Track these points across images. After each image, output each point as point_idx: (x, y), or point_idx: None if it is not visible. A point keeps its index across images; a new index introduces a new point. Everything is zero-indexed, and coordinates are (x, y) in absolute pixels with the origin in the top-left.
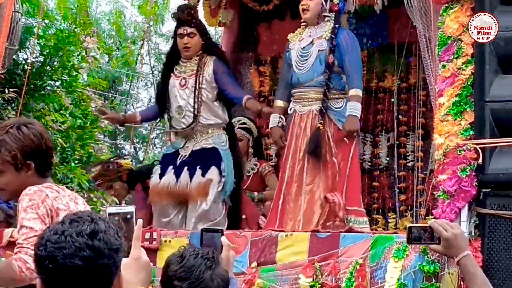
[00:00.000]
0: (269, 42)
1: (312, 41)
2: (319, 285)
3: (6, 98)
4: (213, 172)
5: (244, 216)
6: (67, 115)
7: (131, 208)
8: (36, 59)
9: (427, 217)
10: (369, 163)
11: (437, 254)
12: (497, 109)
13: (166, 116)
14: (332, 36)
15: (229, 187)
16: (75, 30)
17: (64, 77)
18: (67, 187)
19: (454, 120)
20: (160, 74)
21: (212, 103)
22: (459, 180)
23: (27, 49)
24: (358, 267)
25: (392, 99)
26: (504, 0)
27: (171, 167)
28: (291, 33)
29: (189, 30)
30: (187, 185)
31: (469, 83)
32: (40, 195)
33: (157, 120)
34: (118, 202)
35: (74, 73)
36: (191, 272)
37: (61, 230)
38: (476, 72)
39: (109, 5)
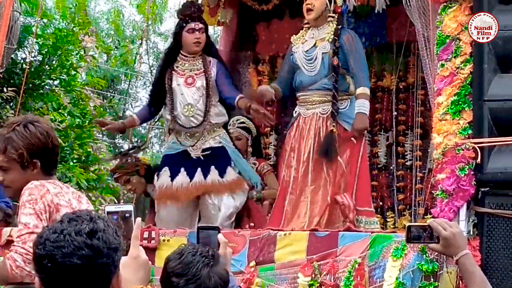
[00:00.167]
0: (268, 42)
1: (315, 44)
2: (318, 284)
3: (5, 97)
4: (231, 172)
5: (252, 224)
6: (66, 114)
7: (129, 207)
8: (35, 58)
9: (425, 216)
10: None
11: (436, 253)
12: (496, 108)
13: (168, 115)
14: (335, 38)
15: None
16: (74, 29)
17: (63, 76)
18: None
19: (453, 119)
20: (159, 70)
21: (216, 102)
22: (457, 179)
23: (25, 48)
24: (356, 266)
25: (391, 98)
26: None
27: (182, 168)
28: (294, 36)
29: (200, 25)
30: (201, 183)
31: (467, 82)
32: (41, 190)
33: (156, 120)
34: (116, 202)
35: (73, 72)
36: (188, 269)
37: (60, 229)
38: (475, 71)
39: (108, 4)
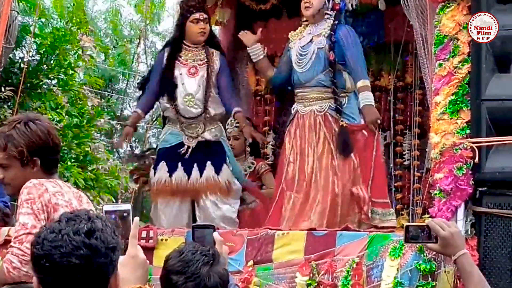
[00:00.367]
0: (265, 41)
1: (311, 39)
2: (316, 284)
3: (3, 97)
4: (226, 171)
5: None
6: (64, 114)
7: (127, 206)
8: (33, 58)
9: (423, 216)
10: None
11: (434, 253)
12: (494, 108)
13: (166, 103)
14: (331, 33)
15: (239, 176)
16: (72, 28)
17: (61, 75)
18: None
19: (451, 118)
20: (166, 59)
21: (216, 94)
22: (455, 178)
23: (23, 47)
24: (354, 265)
25: (389, 98)
26: None
27: (180, 163)
28: (292, 32)
29: (204, 15)
30: (197, 181)
31: (465, 82)
32: (39, 189)
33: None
34: (114, 201)
35: (71, 72)
36: (188, 267)
37: (58, 229)
38: (473, 71)
39: (106, 3)
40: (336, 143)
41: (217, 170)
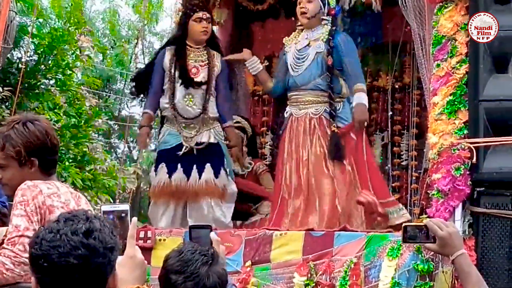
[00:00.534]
0: (263, 41)
1: (308, 44)
2: (314, 284)
3: (0, 97)
4: (223, 176)
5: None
6: (61, 114)
7: (126, 206)
8: (30, 58)
9: (421, 216)
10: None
11: (431, 253)
12: (491, 108)
13: (166, 103)
14: (330, 38)
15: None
16: (70, 29)
17: (58, 75)
18: None
19: (448, 119)
20: (171, 58)
21: (214, 96)
22: (453, 179)
23: (21, 47)
24: (352, 266)
25: (387, 98)
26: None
27: (179, 165)
28: (287, 37)
29: (207, 15)
30: (196, 183)
31: (463, 82)
32: (33, 191)
33: None
34: (112, 201)
35: (68, 72)
36: (187, 267)
37: (56, 229)
38: (470, 71)
39: (104, 4)
40: (328, 147)
41: (216, 173)
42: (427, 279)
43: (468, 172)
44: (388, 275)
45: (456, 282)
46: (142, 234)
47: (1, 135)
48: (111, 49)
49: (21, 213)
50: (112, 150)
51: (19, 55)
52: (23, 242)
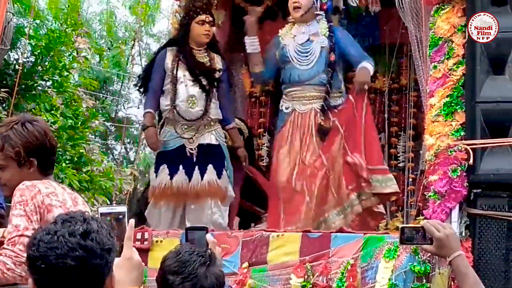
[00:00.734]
0: (260, 43)
1: (308, 38)
2: (310, 285)
3: None
4: (225, 178)
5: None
6: (58, 115)
7: (123, 208)
8: (27, 59)
9: (418, 218)
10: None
11: (428, 255)
12: (488, 109)
13: (167, 103)
14: (331, 34)
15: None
16: (66, 30)
17: (55, 77)
18: None
19: (445, 120)
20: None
21: (215, 98)
22: (450, 180)
23: (18, 49)
24: (349, 267)
25: (383, 100)
26: (495, 1)
27: (181, 166)
28: (281, 30)
29: (210, 18)
30: (198, 184)
31: (460, 84)
32: (32, 190)
33: None
34: (109, 203)
35: (65, 73)
36: (185, 267)
37: (53, 230)
38: (467, 73)
39: (100, 5)
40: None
41: (219, 174)
42: (424, 281)
43: (465, 174)
44: (385, 277)
45: (452, 283)
46: (139, 236)
47: (0, 136)
48: (108, 50)
49: (21, 213)
50: (109, 151)
51: (16, 57)
52: (23, 241)
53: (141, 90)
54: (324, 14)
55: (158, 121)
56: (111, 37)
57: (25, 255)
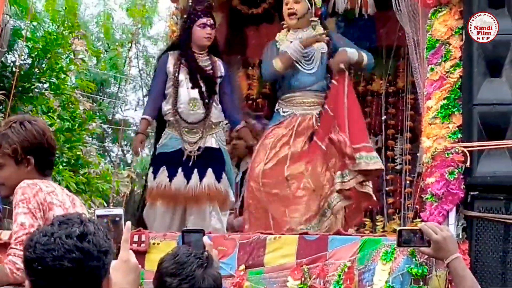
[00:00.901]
0: (257, 45)
1: None
2: None
3: None
4: (225, 181)
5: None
6: (55, 118)
7: (119, 211)
8: (24, 62)
9: (415, 220)
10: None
11: (425, 257)
12: (485, 112)
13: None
14: (330, 40)
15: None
16: (64, 32)
17: (52, 79)
18: None
19: (442, 123)
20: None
21: (218, 101)
22: (447, 183)
23: (15, 51)
24: (346, 269)
25: (380, 103)
26: (492, 3)
27: (180, 168)
28: (279, 34)
29: (212, 21)
30: (197, 187)
31: (457, 86)
32: (34, 188)
33: None
34: (106, 205)
35: (62, 76)
36: (182, 269)
37: (50, 232)
38: (464, 76)
39: (98, 7)
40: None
41: (218, 178)
42: (421, 283)
43: (462, 176)
44: (382, 279)
45: (450, 286)
46: (136, 238)
47: None
48: (105, 52)
49: (24, 211)
50: (106, 153)
51: (13, 59)
52: None
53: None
54: (319, 21)
55: (158, 125)
56: (108, 39)
57: None
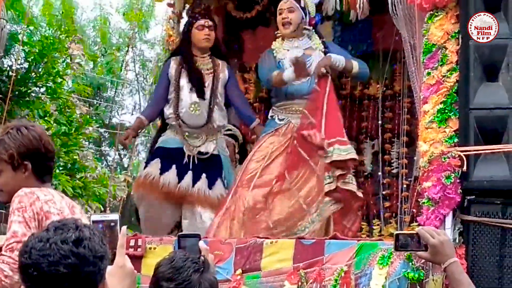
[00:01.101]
0: (254, 49)
1: (303, 53)
2: None
3: None
4: (219, 186)
5: None
6: (52, 122)
7: (115, 216)
8: (21, 66)
9: (411, 224)
10: (354, 170)
11: (422, 261)
12: (482, 116)
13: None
14: (326, 49)
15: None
16: (60, 36)
17: (49, 83)
18: None
19: (439, 127)
20: (183, 62)
21: (221, 105)
22: (443, 187)
23: (12, 55)
24: (343, 274)
25: (377, 106)
26: (488, 7)
27: (174, 166)
28: (275, 43)
29: (210, 22)
30: (188, 189)
31: (453, 91)
32: (31, 197)
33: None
34: (102, 209)
35: (59, 80)
36: (178, 274)
37: (46, 238)
38: (461, 80)
39: (94, 11)
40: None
41: (210, 185)
42: (418, 287)
43: (458, 181)
44: (378, 283)
45: None
46: (132, 243)
47: None
48: (102, 56)
49: (19, 220)
50: (103, 158)
51: (10, 63)
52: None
53: None
54: (311, 29)
55: (160, 127)
56: (104, 44)
57: None
